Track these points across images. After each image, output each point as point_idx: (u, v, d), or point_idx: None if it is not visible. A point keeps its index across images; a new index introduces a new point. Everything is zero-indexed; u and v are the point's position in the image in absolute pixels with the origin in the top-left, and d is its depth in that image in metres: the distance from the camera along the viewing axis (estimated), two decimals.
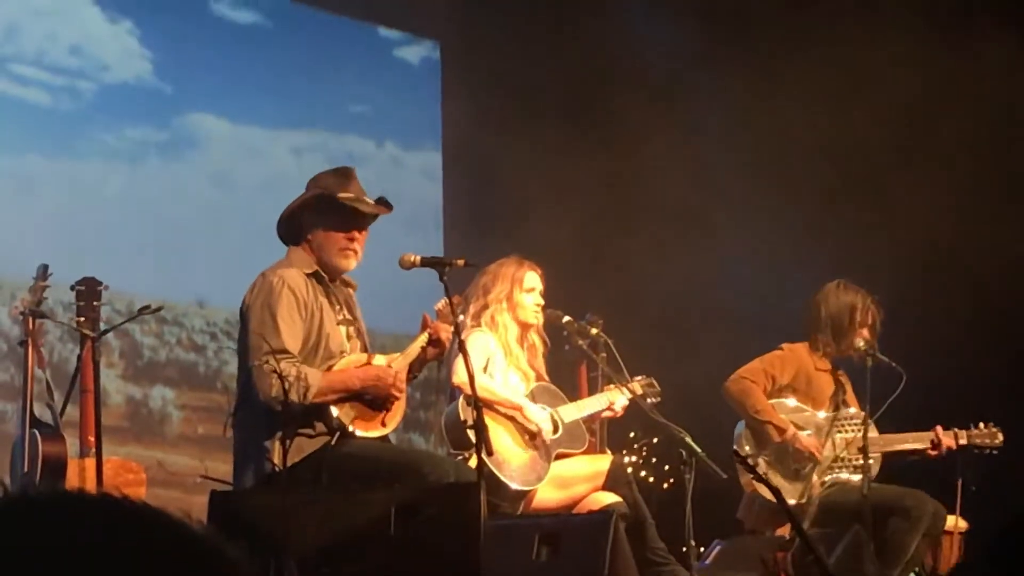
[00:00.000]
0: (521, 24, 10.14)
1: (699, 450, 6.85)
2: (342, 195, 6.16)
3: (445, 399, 7.15)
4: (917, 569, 7.50)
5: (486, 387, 6.76)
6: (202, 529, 1.25)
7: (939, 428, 7.80)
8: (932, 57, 8.95)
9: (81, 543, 1.20)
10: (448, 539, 5.55)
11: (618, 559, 6.36)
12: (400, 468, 5.96)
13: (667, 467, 7.70)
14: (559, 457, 7.15)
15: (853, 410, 7.79)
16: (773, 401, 7.78)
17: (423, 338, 6.16)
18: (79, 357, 6.34)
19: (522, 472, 6.98)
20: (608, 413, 7.31)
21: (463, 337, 6.12)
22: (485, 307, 7.18)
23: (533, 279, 7.24)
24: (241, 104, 9.73)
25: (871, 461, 7.62)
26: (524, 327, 7.23)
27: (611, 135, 9.94)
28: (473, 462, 5.96)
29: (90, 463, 6.17)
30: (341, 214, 6.17)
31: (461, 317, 6.21)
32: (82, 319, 6.28)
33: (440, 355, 6.35)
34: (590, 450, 7.36)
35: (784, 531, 7.33)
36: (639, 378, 7.47)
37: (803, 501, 7.59)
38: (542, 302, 7.25)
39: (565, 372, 7.58)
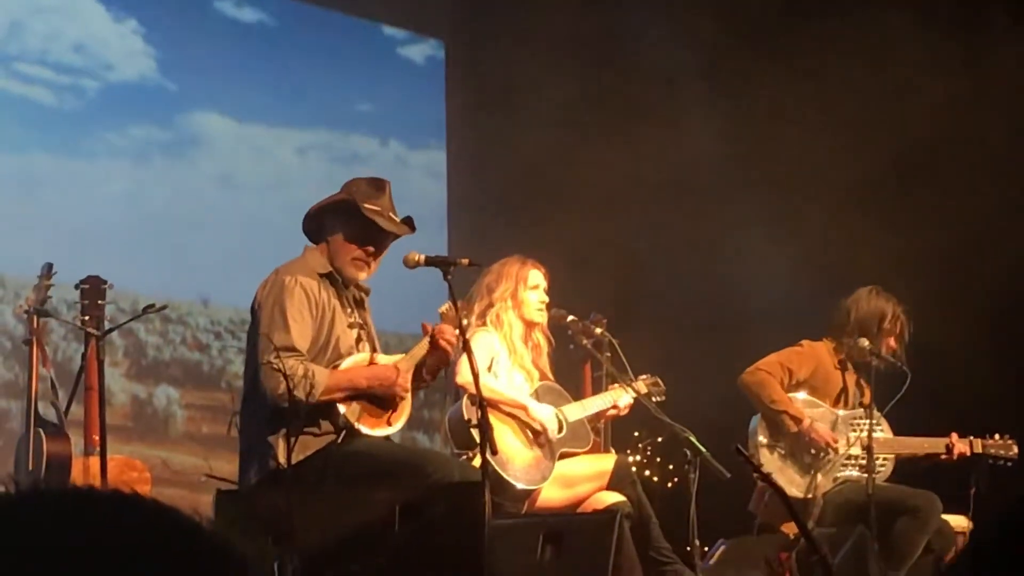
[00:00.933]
0: (525, 22, 10.13)
1: (703, 449, 6.86)
2: (367, 206, 6.13)
3: (450, 398, 7.15)
4: None
5: (490, 386, 6.76)
6: (211, 526, 1.25)
7: (955, 435, 7.81)
8: (956, 62, 8.95)
9: (93, 539, 1.20)
10: (452, 538, 5.55)
11: (622, 558, 6.36)
12: (404, 467, 5.95)
13: (671, 466, 7.69)
14: (563, 456, 7.15)
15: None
16: (788, 395, 7.79)
17: (426, 341, 6.15)
18: (83, 356, 6.34)
19: (526, 471, 6.97)
20: (613, 412, 7.31)
21: (467, 336, 6.11)
22: (490, 305, 7.18)
23: (537, 277, 7.24)
24: (245, 103, 9.73)
25: (885, 463, 7.63)
26: (529, 325, 7.23)
27: (618, 132, 9.93)
28: (477, 461, 5.96)
29: (94, 462, 6.17)
30: (361, 224, 6.14)
31: (464, 322, 6.18)
32: (86, 318, 6.28)
33: (445, 361, 6.33)
34: (594, 449, 7.36)
35: (793, 526, 7.32)
36: (644, 377, 7.48)
37: (809, 496, 7.60)
38: (547, 299, 7.25)
39: (569, 371, 7.58)
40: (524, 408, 7.09)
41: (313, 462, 5.86)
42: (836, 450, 7.69)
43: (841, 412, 7.81)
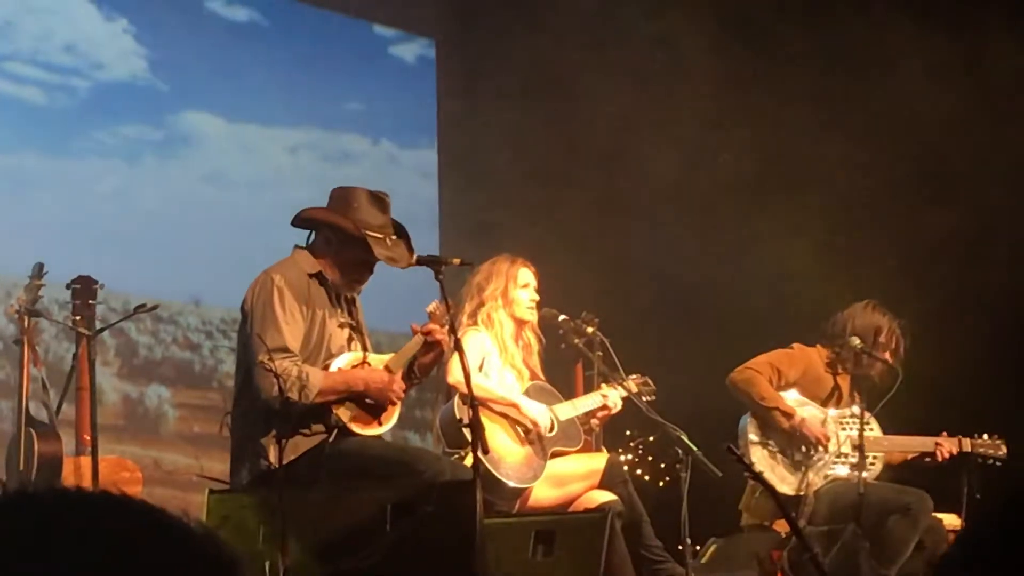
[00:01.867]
0: (516, 21, 10.13)
1: (695, 448, 6.86)
2: (380, 253, 6.09)
3: (442, 397, 7.16)
4: None
5: (482, 385, 6.76)
6: (200, 527, 1.25)
7: (944, 434, 7.84)
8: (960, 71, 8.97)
9: (81, 540, 1.20)
10: (444, 537, 5.55)
11: (614, 557, 6.36)
12: (396, 466, 5.96)
13: (663, 465, 7.70)
14: (555, 455, 7.15)
15: (856, 408, 7.80)
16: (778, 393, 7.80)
17: (417, 340, 6.15)
18: (75, 356, 6.34)
19: (518, 470, 6.98)
20: (604, 412, 7.31)
21: (459, 336, 6.11)
22: (481, 305, 7.18)
23: (527, 275, 7.24)
24: (236, 102, 9.72)
25: (874, 461, 7.64)
26: (520, 324, 7.23)
27: (610, 132, 9.94)
28: (469, 460, 5.96)
29: (86, 461, 6.17)
30: (364, 252, 6.14)
31: (447, 320, 6.17)
32: (78, 318, 6.28)
33: (438, 358, 6.32)
34: (586, 448, 7.36)
35: (784, 524, 7.33)
36: (634, 376, 7.48)
37: (801, 494, 7.61)
38: (537, 298, 7.25)
39: (561, 371, 7.58)
40: (516, 406, 7.09)
41: (305, 462, 5.86)
42: (827, 447, 7.71)
43: (831, 411, 7.83)
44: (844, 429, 7.79)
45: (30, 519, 1.19)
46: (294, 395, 5.72)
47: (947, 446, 7.80)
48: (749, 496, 7.74)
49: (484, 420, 5.96)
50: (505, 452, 6.96)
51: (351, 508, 5.72)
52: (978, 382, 8.84)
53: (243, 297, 6.12)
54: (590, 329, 7.44)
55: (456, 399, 6.85)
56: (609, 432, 7.63)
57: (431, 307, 6.14)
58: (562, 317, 7.45)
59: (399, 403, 6.15)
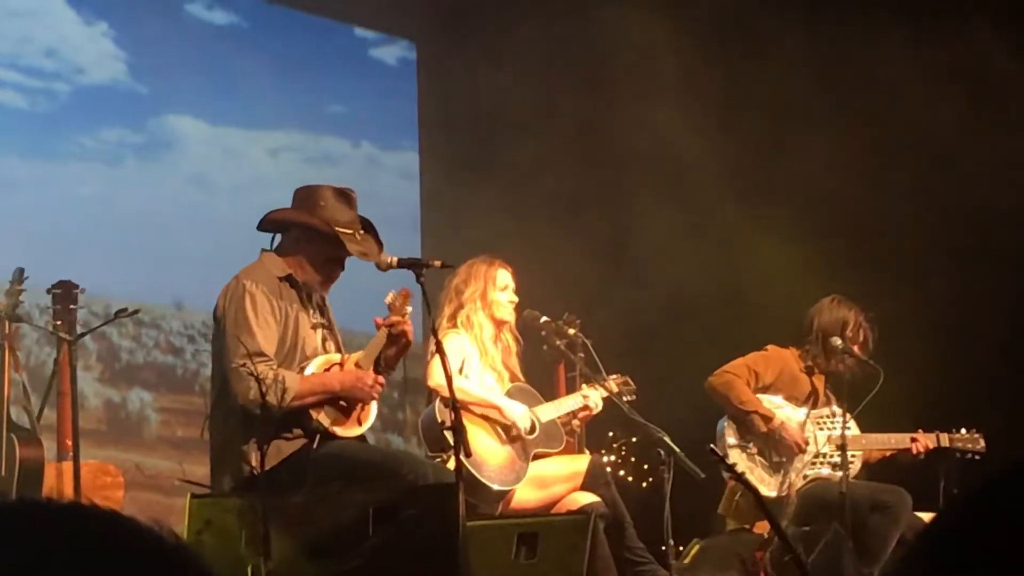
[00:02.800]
0: (496, 24, 10.13)
1: (677, 449, 6.87)
2: (353, 248, 6.13)
3: (424, 400, 7.16)
4: None
5: (462, 388, 6.75)
6: (172, 537, 1.24)
7: (920, 430, 7.85)
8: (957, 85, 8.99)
9: (47, 551, 1.19)
10: (427, 540, 5.54)
11: (597, 559, 6.37)
12: (379, 469, 5.96)
13: (646, 467, 7.70)
14: (537, 457, 7.15)
15: (835, 407, 7.82)
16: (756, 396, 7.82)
17: (382, 334, 6.16)
18: (56, 360, 6.32)
19: (500, 472, 6.98)
20: (585, 413, 7.32)
21: (439, 338, 6.11)
22: (460, 307, 7.18)
23: (506, 277, 7.25)
24: (217, 105, 9.71)
25: (853, 459, 7.65)
26: (499, 325, 7.23)
27: (592, 132, 9.95)
28: (452, 464, 5.96)
29: (67, 467, 6.15)
30: (336, 249, 6.16)
31: (409, 312, 6.18)
32: (59, 322, 6.26)
33: (404, 350, 6.32)
34: (569, 450, 7.36)
35: (764, 526, 7.34)
36: (614, 376, 7.48)
37: (783, 494, 7.62)
38: (516, 299, 7.26)
39: (543, 372, 7.58)
40: (497, 408, 7.09)
41: (288, 466, 5.86)
42: (805, 450, 7.73)
43: (809, 411, 7.83)
44: (822, 429, 7.82)
45: None
46: (271, 399, 5.72)
47: (924, 441, 7.82)
48: (728, 500, 7.75)
49: (466, 423, 5.96)
50: (488, 454, 6.96)
51: (334, 512, 5.71)
52: (955, 378, 8.87)
53: (215, 304, 6.13)
54: (572, 331, 7.44)
55: (437, 402, 6.85)
56: (592, 433, 7.63)
57: (389, 298, 6.16)
58: (544, 319, 7.46)
59: (377, 398, 6.16)
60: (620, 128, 9.74)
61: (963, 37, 8.96)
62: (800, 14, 9.55)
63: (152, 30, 9.42)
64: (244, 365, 5.79)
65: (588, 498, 6.97)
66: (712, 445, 7.28)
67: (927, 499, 7.63)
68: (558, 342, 7.43)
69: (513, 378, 7.29)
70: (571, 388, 7.45)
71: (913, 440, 7.81)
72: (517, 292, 7.28)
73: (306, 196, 6.31)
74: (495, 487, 6.90)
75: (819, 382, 7.95)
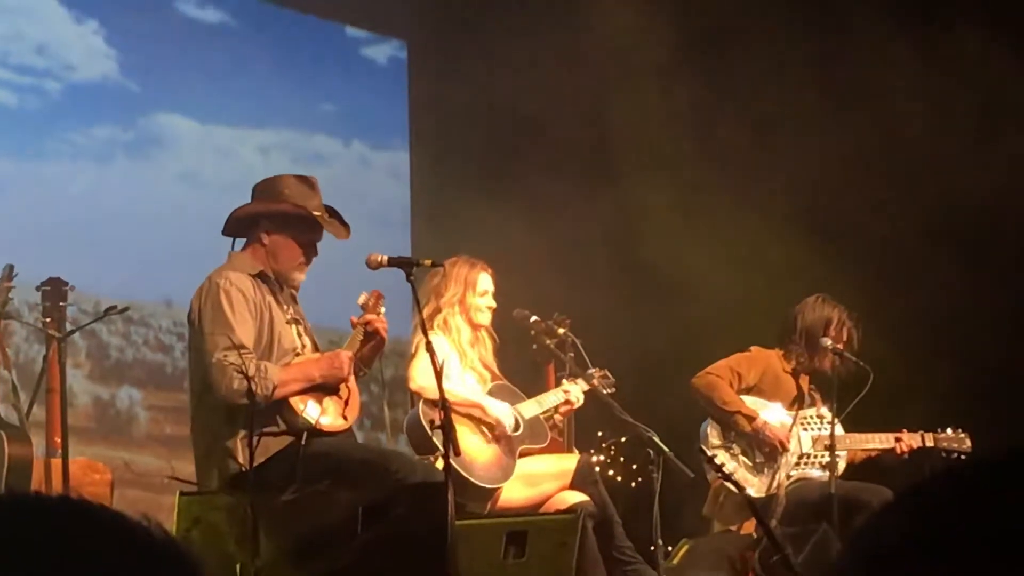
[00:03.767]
0: (487, 23, 10.12)
1: (666, 449, 6.87)
2: (327, 227, 6.22)
3: (409, 399, 7.17)
4: None
5: (445, 389, 6.75)
6: (161, 532, 1.24)
7: (904, 430, 7.86)
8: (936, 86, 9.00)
9: (35, 546, 1.19)
10: (416, 538, 5.55)
11: (585, 558, 6.38)
12: (368, 467, 5.96)
13: (635, 466, 7.70)
14: (523, 454, 7.16)
15: (823, 408, 7.83)
16: (739, 396, 7.82)
17: (357, 332, 6.20)
18: (45, 358, 6.31)
19: (488, 470, 6.98)
20: (567, 407, 7.33)
21: (416, 340, 6.13)
22: (438, 310, 7.16)
23: (486, 281, 7.23)
24: (208, 103, 9.70)
25: (837, 459, 7.65)
26: (476, 328, 7.24)
27: (582, 131, 9.94)
28: (440, 464, 5.96)
29: (56, 464, 6.13)
30: (308, 232, 6.19)
31: (382, 312, 6.22)
32: (48, 320, 6.25)
33: (379, 348, 6.35)
34: (558, 448, 7.36)
35: (750, 527, 7.35)
36: (593, 370, 7.48)
37: (764, 495, 7.62)
38: (494, 304, 7.25)
39: (532, 372, 7.58)
40: (480, 407, 7.09)
41: (276, 463, 5.86)
42: (787, 449, 7.73)
43: (797, 412, 7.84)
44: (806, 429, 7.82)
45: None
46: (257, 389, 5.73)
47: (908, 441, 7.82)
48: (713, 502, 7.76)
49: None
50: (475, 453, 6.96)
51: (323, 510, 5.72)
52: (942, 378, 8.89)
53: (189, 306, 6.15)
54: (561, 330, 7.44)
55: (420, 404, 6.85)
56: (581, 433, 7.63)
57: (362, 299, 6.23)
58: (534, 318, 7.46)
59: (355, 393, 6.19)
60: (610, 127, 9.73)
61: (955, 37, 8.97)
62: (788, 13, 9.56)
63: (143, 28, 9.41)
64: (226, 357, 5.81)
65: (577, 497, 6.97)
66: (702, 446, 7.32)
67: None
68: (548, 341, 7.43)
69: (494, 377, 7.29)
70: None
71: (898, 440, 7.81)
72: (500, 293, 7.27)
73: (268, 187, 6.37)
74: (484, 485, 6.90)
75: (803, 382, 7.95)
